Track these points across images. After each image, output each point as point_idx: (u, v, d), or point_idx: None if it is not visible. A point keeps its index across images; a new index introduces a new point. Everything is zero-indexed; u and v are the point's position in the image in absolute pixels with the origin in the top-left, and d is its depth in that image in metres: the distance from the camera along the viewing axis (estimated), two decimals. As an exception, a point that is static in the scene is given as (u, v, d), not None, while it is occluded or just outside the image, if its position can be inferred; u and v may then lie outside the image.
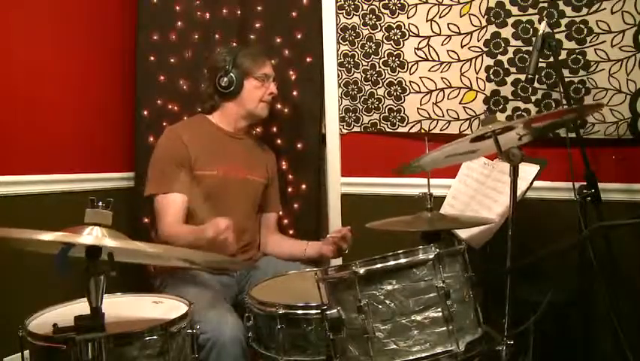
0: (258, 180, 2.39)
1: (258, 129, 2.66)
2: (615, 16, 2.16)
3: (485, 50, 2.38)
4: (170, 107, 2.71)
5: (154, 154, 2.27)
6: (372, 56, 2.58)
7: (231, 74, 2.28)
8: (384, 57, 2.56)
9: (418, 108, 2.52)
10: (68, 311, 1.52)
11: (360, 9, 2.58)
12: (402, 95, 2.54)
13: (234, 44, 2.61)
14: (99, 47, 2.60)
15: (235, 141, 2.36)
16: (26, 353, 1.47)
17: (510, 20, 2.33)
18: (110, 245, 1.26)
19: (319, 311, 1.58)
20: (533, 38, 2.16)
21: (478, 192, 2.18)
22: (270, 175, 2.48)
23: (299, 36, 2.66)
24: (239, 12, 2.69)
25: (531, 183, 1.99)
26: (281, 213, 2.57)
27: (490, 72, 2.38)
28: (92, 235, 1.28)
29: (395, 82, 2.55)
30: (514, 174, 1.63)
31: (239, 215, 2.30)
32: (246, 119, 2.36)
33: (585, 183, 2.03)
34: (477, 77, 2.41)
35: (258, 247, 2.44)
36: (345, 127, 2.68)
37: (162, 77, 2.72)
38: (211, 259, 1.73)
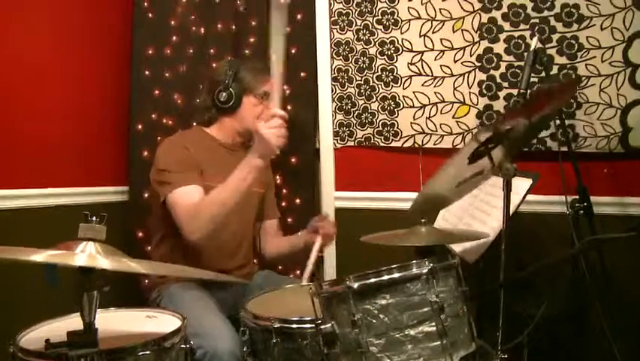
0: (256, 191, 2.38)
1: (251, 144, 2.67)
2: (605, 32, 2.19)
3: (478, 64, 2.40)
4: (164, 121, 2.72)
5: (159, 162, 2.17)
6: (366, 70, 2.60)
7: (231, 89, 2.23)
8: (377, 72, 2.58)
9: (411, 123, 2.53)
10: (61, 326, 1.51)
11: (354, 24, 2.60)
12: (395, 110, 2.56)
13: (230, 59, 2.60)
14: (94, 61, 2.60)
15: (233, 154, 2.33)
16: (18, 369, 1.46)
17: (502, 36, 2.36)
18: (103, 266, 1.25)
19: (314, 326, 1.58)
20: (525, 54, 2.20)
21: (472, 206, 2.19)
22: (267, 184, 2.46)
23: (293, 51, 2.67)
24: (233, 27, 2.71)
25: (524, 197, 2.00)
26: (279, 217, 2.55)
27: (483, 87, 2.40)
28: (85, 253, 1.28)
29: (389, 96, 2.56)
30: (507, 188, 1.64)
31: (241, 227, 2.30)
32: (242, 135, 2.33)
33: (577, 197, 2.05)
34: (470, 92, 2.43)
35: (254, 261, 2.43)
36: (339, 141, 2.69)
37: (157, 92, 2.73)
38: (207, 275, 1.73)
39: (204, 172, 2.18)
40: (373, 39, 2.57)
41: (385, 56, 2.55)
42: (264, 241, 2.47)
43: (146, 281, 2.30)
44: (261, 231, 2.47)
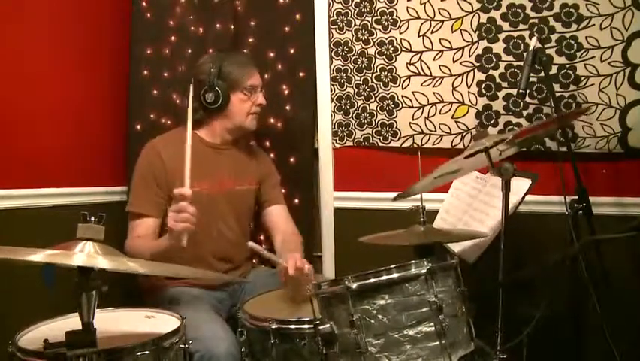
0: (247, 188, 2.34)
1: (251, 143, 2.66)
2: (604, 32, 2.19)
3: (477, 65, 2.40)
4: (163, 121, 2.71)
5: (134, 171, 2.23)
6: (365, 70, 2.59)
7: (217, 88, 2.18)
8: (376, 72, 2.57)
9: (410, 123, 2.53)
10: (60, 326, 1.51)
11: (353, 24, 2.59)
12: (394, 110, 2.55)
13: (210, 53, 2.50)
14: (92, 61, 2.59)
15: (220, 153, 2.31)
16: (16, 369, 1.46)
17: (501, 36, 2.35)
18: (102, 266, 1.25)
19: (312, 326, 1.58)
20: (524, 53, 2.20)
21: (471, 206, 2.19)
22: (263, 175, 2.41)
23: (292, 51, 2.67)
24: (232, 27, 2.71)
25: (523, 197, 2.00)
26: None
27: (482, 87, 2.40)
28: (83, 252, 1.28)
29: (387, 97, 2.56)
30: (506, 189, 1.64)
31: (228, 229, 2.28)
32: (233, 132, 2.30)
33: (576, 197, 2.05)
34: (469, 92, 2.43)
35: (247, 259, 2.42)
36: (337, 141, 2.68)
37: (155, 91, 2.72)
38: (204, 275, 1.73)
39: (180, 179, 2.08)
40: (372, 39, 2.56)
41: (384, 56, 2.55)
42: (271, 229, 2.39)
43: (145, 281, 2.29)
44: (266, 219, 2.41)
